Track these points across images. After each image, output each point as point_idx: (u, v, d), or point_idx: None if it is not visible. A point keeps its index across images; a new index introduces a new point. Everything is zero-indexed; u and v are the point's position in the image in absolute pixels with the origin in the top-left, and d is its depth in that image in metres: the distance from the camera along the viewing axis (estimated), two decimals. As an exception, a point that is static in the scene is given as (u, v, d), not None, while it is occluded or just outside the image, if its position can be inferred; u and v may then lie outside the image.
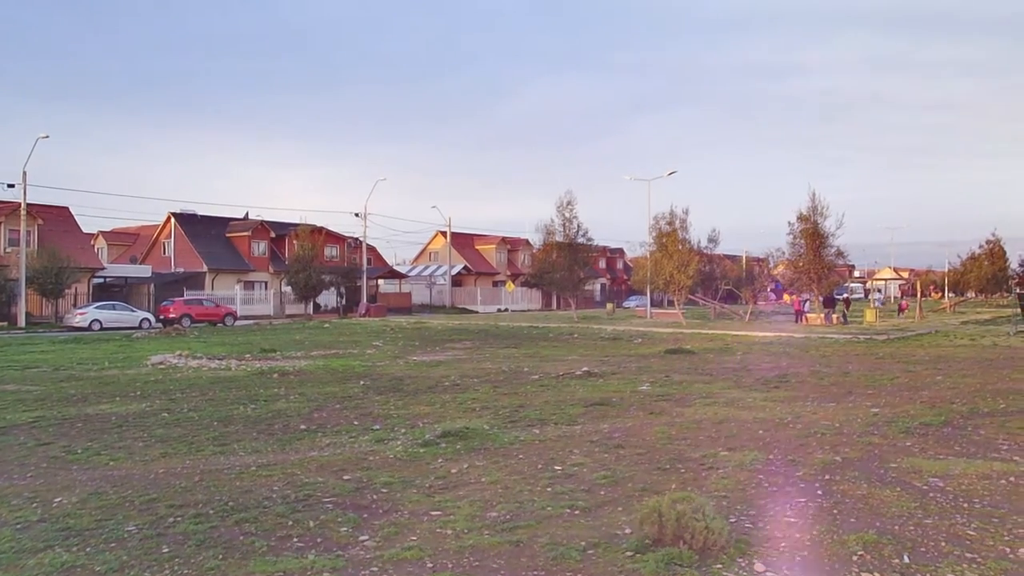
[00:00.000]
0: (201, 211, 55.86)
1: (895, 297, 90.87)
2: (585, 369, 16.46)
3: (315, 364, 18.28)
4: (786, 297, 35.83)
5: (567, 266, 36.95)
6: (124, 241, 66.03)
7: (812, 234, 34.57)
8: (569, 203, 41.19)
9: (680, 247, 56.74)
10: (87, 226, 58.06)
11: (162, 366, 18.10)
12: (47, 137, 38.74)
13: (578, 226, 39.68)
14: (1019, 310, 31.80)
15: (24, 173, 40.39)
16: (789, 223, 33.94)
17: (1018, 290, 34.11)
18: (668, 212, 40.43)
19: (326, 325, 35.62)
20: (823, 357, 20.03)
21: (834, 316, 36.00)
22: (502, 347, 24.00)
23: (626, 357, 20.44)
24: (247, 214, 58.71)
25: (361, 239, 57.97)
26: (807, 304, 36.45)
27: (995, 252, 67.62)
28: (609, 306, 42.50)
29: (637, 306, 44.26)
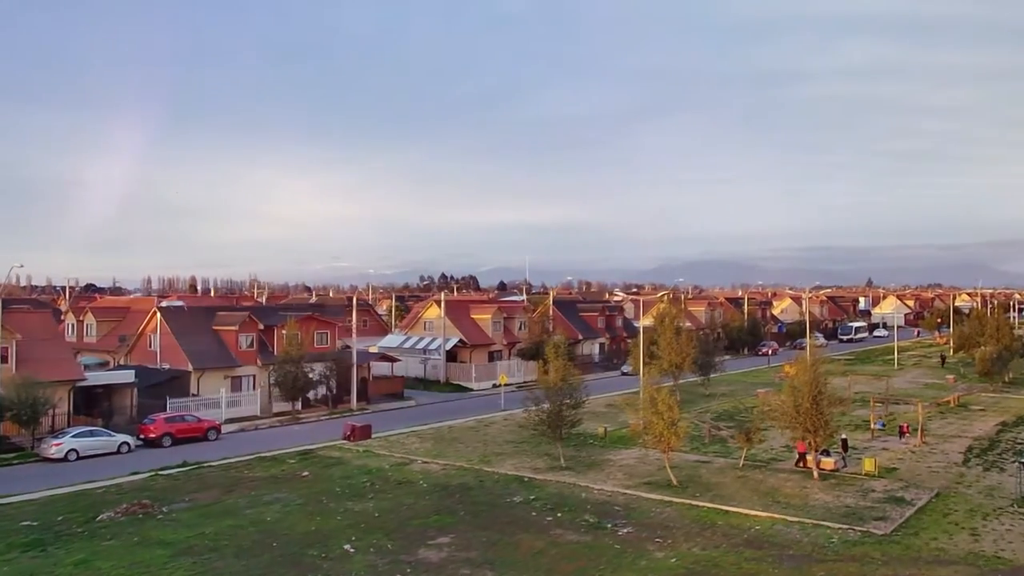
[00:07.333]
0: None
1: (898, 333, 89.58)
2: None
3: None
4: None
5: (555, 413, 35.52)
6: (113, 317, 65.13)
7: (812, 383, 33.32)
8: None
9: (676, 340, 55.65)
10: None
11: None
12: (22, 266, 37.87)
13: None
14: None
15: (1, 301, 39.51)
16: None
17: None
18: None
19: (305, 474, 34.47)
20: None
21: (831, 461, 35.03)
22: (482, 551, 23.08)
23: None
24: (246, 289, 57.64)
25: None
26: (808, 446, 35.39)
27: (1001, 329, 66.22)
28: (601, 429, 41.46)
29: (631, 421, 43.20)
